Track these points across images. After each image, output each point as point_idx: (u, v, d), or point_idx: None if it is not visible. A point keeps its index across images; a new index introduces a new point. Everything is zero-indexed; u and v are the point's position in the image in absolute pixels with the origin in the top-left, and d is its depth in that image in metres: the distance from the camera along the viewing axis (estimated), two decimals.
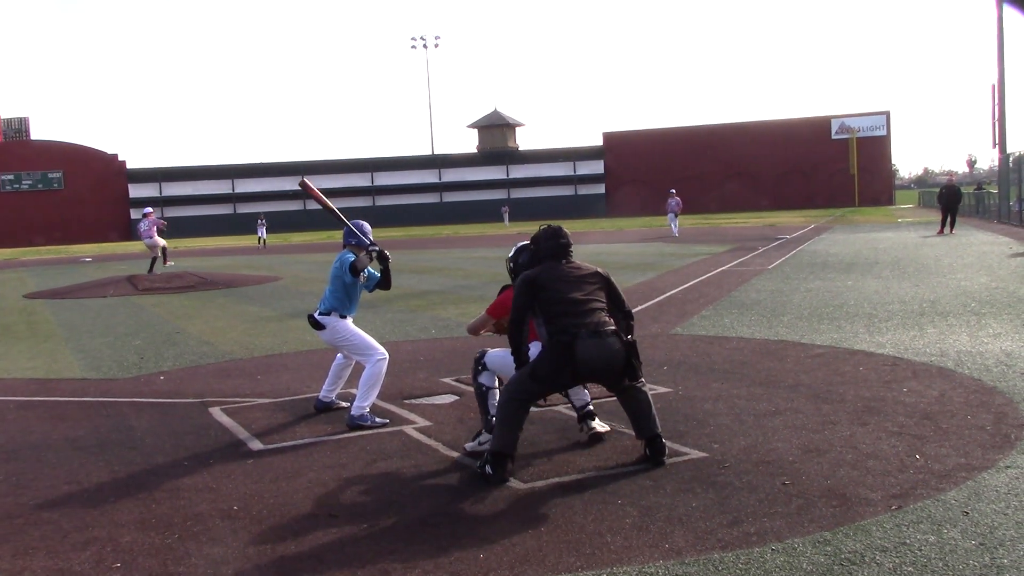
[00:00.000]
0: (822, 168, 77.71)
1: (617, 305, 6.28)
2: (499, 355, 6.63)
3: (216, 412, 8.13)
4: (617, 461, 6.03)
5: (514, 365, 6.12)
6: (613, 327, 6.03)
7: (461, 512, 5.23)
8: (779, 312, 13.04)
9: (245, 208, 76.26)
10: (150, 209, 27.09)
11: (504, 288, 7.01)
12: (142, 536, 5.05)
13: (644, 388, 6.24)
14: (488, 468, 5.79)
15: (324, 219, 70.76)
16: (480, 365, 6.71)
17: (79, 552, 4.85)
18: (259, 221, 51.40)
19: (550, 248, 6.26)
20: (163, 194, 75.36)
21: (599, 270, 6.32)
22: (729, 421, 6.98)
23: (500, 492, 5.52)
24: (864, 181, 77.34)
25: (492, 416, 6.31)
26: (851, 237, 32.44)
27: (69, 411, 8.58)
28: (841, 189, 76.91)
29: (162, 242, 26.57)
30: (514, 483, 5.67)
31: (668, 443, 6.27)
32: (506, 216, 68.57)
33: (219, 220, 75.26)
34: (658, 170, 76.99)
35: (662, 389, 8.15)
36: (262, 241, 49.64)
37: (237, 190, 78.07)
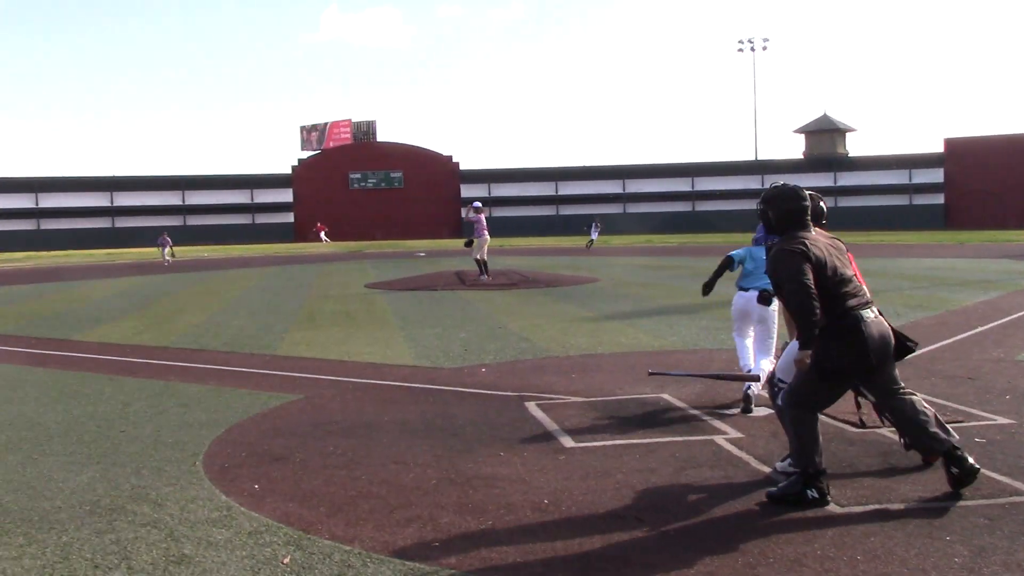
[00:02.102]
0: None
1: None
2: (787, 366, 6.15)
3: (532, 407, 8.39)
4: (946, 492, 5.56)
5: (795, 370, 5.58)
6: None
7: (771, 530, 5.03)
8: None
9: (567, 210, 78.50)
10: (479, 204, 25.54)
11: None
12: (459, 519, 5.31)
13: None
14: (811, 492, 5.41)
15: (635, 223, 71.20)
16: (776, 386, 6.35)
17: (402, 528, 5.17)
18: (594, 225, 51.68)
19: (801, 211, 5.63)
20: (491, 194, 79.06)
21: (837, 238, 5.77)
22: None
23: (814, 514, 5.27)
24: None
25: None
26: None
27: (399, 395, 9.20)
28: None
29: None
30: (831, 506, 5.38)
31: (1009, 480, 5.71)
32: (595, 231, 53.61)
33: (542, 221, 77.93)
34: (1007, 180, 70.67)
35: (1004, 420, 7.43)
36: (590, 243, 50.07)
37: (560, 192, 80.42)
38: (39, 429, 8.08)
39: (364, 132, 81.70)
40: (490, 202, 77.55)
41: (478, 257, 24.63)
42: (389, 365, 11.15)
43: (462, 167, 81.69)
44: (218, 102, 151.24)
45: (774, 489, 5.60)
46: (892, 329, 5.58)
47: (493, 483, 6.03)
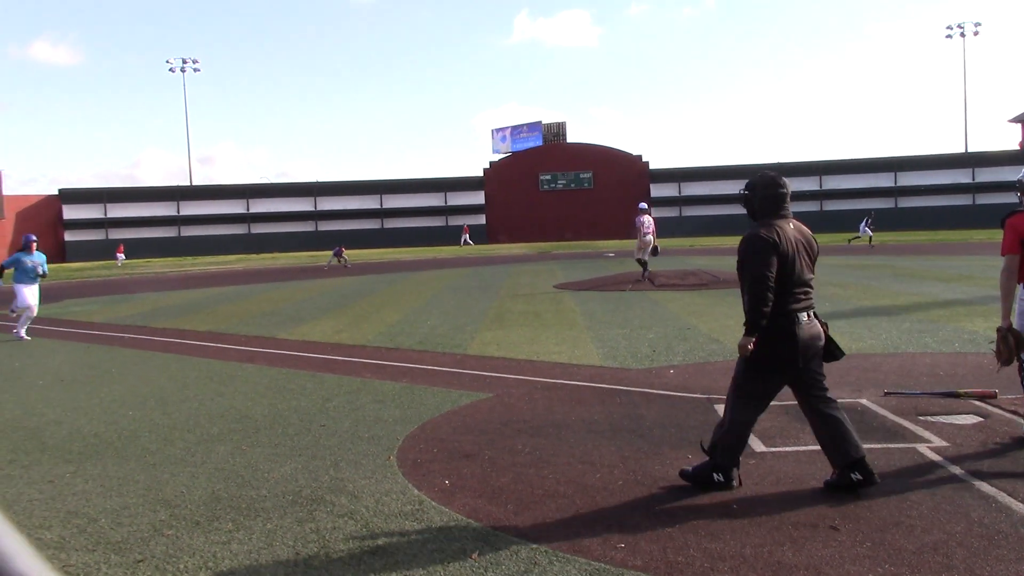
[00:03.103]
0: None
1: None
2: None
3: (720, 409, 8.23)
4: None
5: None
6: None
7: (978, 545, 4.74)
8: None
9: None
10: (644, 205, 25.39)
11: (1007, 216, 6.68)
12: (646, 521, 5.28)
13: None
14: (718, 476, 5.82)
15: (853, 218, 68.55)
16: None
17: (588, 528, 5.19)
18: (867, 219, 47.81)
19: (780, 198, 5.88)
20: (682, 194, 78.10)
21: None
22: None
23: (1013, 531, 4.93)
24: None
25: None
26: None
27: (586, 395, 9.23)
28: None
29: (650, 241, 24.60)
30: None
31: None
32: (867, 226, 49.07)
33: (734, 219, 76.37)
34: None
35: None
36: (869, 240, 47.02)
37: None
38: (247, 422, 8.59)
39: (554, 133, 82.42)
40: (680, 201, 76.69)
41: (638, 257, 24.80)
42: (577, 365, 11.20)
43: (652, 166, 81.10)
44: (414, 108, 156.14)
45: (688, 468, 6.04)
46: (826, 334, 5.86)
47: (680, 486, 5.96)
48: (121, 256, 60.98)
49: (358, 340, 14.63)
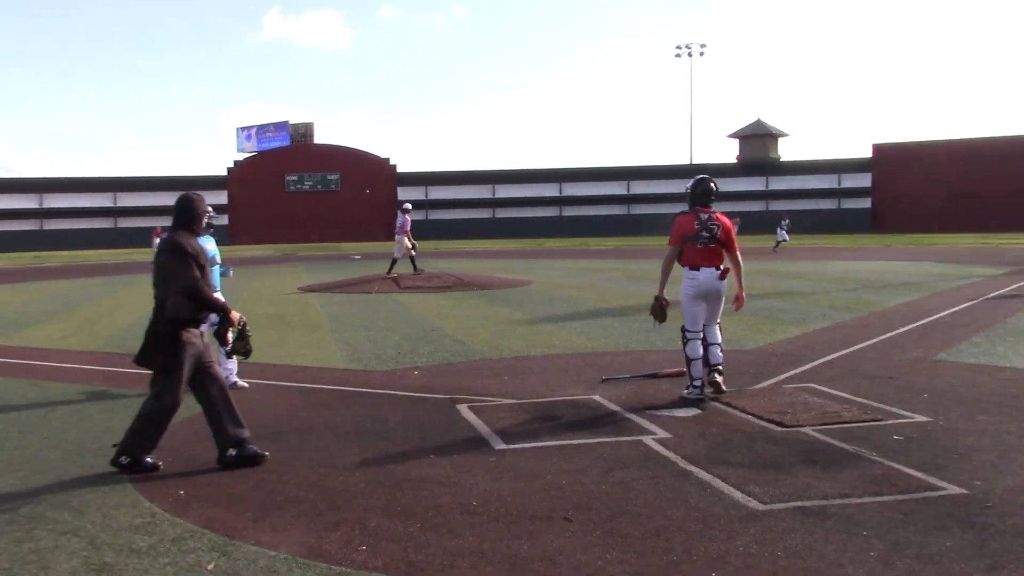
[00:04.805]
0: None
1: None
2: (686, 312, 8.78)
3: (463, 409, 8.41)
4: (866, 490, 5.70)
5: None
6: None
7: (695, 528, 5.12)
8: None
9: (504, 213, 78.60)
10: (409, 206, 26.64)
11: (677, 215, 8.96)
12: (387, 522, 5.31)
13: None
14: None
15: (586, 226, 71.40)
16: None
17: (330, 532, 5.16)
18: (783, 223, 48.22)
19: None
20: (428, 197, 78.79)
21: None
22: (995, 457, 6.44)
23: (738, 512, 5.37)
24: None
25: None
26: None
27: (330, 399, 9.16)
28: None
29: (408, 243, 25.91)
30: (753, 503, 5.49)
31: (924, 476, 5.89)
32: (736, 228, 56.21)
33: (479, 224, 77.88)
34: (932, 185, 72.41)
35: (921, 418, 7.65)
36: (780, 243, 47.22)
37: (497, 195, 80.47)
38: None
39: (301, 134, 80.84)
40: (427, 205, 77.34)
41: (400, 257, 26.36)
42: (321, 368, 11.09)
43: (399, 170, 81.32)
44: (155, 102, 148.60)
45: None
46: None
47: (422, 486, 6.04)
48: None
49: (87, 346, 13.78)
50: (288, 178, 78.65)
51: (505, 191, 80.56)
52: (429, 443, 7.17)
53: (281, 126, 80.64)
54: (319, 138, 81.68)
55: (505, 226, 75.66)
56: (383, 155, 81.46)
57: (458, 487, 5.99)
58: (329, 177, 79.25)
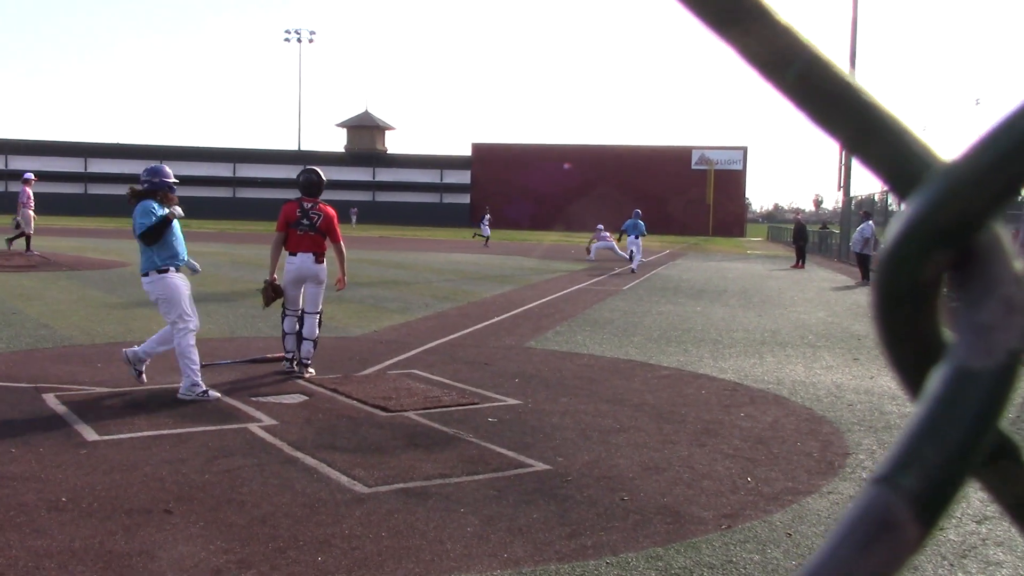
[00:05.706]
0: (679, 196, 79.96)
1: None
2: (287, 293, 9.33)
3: (50, 399, 7.78)
4: (464, 470, 6.06)
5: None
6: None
7: (302, 514, 5.16)
8: (630, 332, 13.37)
9: (96, 189, 73.30)
10: (31, 175, 24.67)
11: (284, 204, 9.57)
12: None
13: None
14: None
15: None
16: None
17: None
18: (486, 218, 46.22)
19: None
20: (8, 167, 71.54)
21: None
22: (575, 436, 7.12)
23: (343, 496, 5.48)
24: (718, 212, 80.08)
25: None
26: (703, 265, 33.55)
27: None
28: (695, 218, 79.36)
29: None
30: (358, 487, 5.64)
31: (514, 455, 6.38)
32: (354, 217, 61.57)
33: (72, 200, 71.95)
34: (522, 185, 77.79)
35: (512, 401, 8.25)
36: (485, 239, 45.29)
37: (91, 170, 74.87)
38: None
39: None
40: (6, 176, 70.20)
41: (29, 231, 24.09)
42: None
43: None
44: None
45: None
46: None
47: (3, 483, 5.52)
48: None
49: None
50: None
51: (101, 166, 75.21)
52: (11, 437, 6.56)
53: None
54: None
55: (98, 203, 70.56)
56: None
57: (45, 483, 5.55)
58: None
